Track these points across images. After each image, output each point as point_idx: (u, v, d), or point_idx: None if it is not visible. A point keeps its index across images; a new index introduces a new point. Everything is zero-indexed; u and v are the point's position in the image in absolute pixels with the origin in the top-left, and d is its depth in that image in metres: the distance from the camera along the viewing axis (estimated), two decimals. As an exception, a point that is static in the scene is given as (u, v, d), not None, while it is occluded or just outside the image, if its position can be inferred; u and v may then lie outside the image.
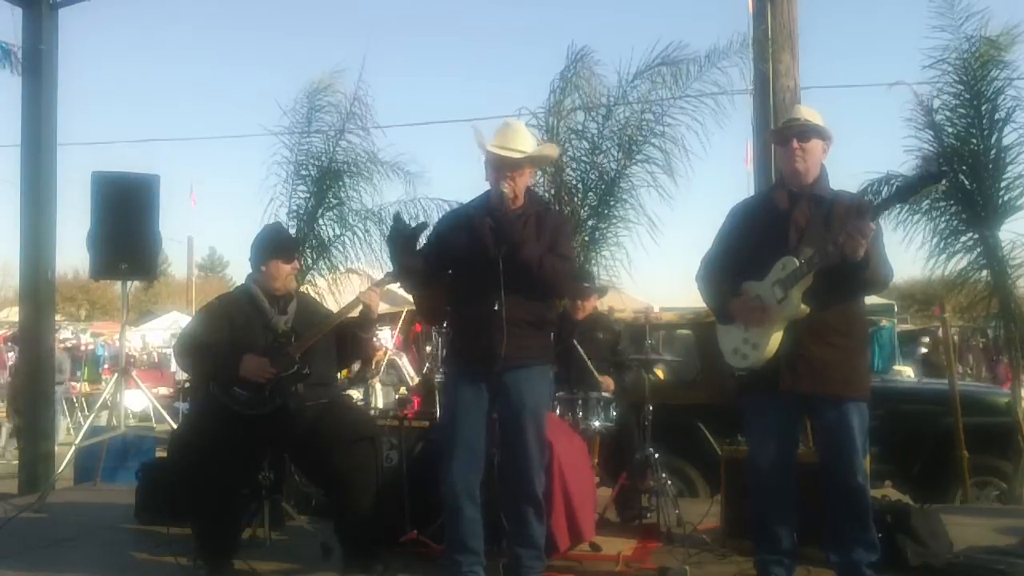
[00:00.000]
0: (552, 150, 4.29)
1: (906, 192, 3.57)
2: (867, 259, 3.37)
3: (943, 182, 3.63)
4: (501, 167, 3.75)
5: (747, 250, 3.66)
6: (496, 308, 3.61)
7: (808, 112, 3.73)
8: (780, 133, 3.74)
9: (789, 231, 3.56)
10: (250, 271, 4.43)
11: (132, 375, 7.01)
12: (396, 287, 4.78)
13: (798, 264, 3.47)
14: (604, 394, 5.13)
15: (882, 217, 3.62)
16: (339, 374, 4.95)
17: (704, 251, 3.83)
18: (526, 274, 3.66)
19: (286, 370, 4.15)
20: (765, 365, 3.54)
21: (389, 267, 4.30)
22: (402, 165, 8.04)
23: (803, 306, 3.48)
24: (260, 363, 4.11)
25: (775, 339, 3.52)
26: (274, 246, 4.37)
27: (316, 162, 8.04)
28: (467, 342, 3.78)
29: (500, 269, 3.61)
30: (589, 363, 5.12)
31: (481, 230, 3.76)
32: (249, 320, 4.27)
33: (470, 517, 3.71)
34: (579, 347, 5.12)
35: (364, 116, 8.01)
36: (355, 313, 4.38)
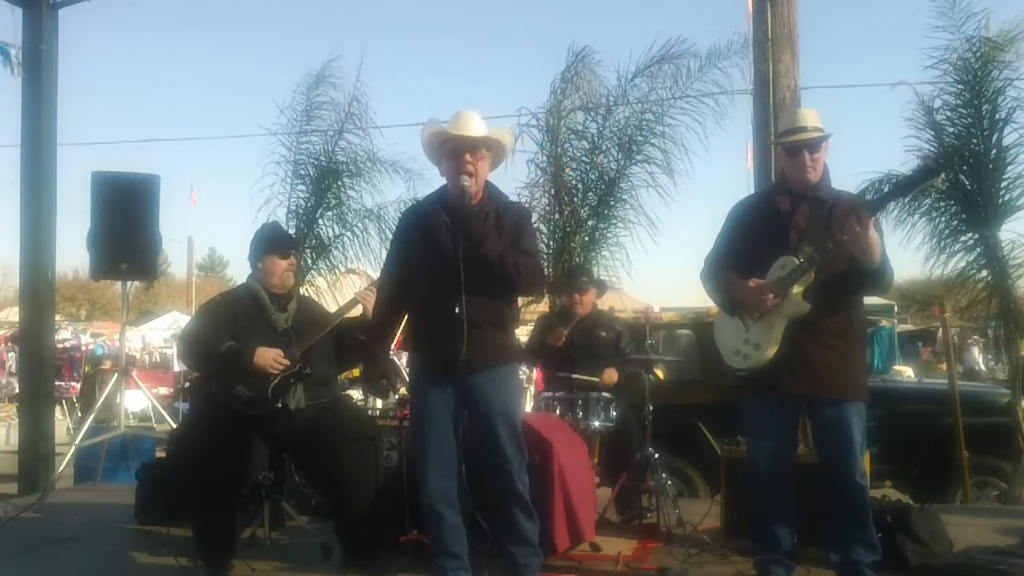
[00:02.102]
0: (505, 135, 3.90)
1: (906, 187, 3.61)
2: (884, 266, 3.38)
3: (942, 176, 3.63)
4: (458, 152, 3.58)
5: (748, 250, 3.65)
6: (456, 311, 3.48)
7: (811, 116, 3.66)
8: (789, 147, 3.63)
9: (789, 233, 3.56)
10: (251, 271, 4.43)
11: (132, 375, 7.01)
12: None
13: (798, 262, 3.47)
14: (604, 394, 5.13)
15: (882, 217, 3.63)
16: (340, 375, 4.93)
17: (706, 251, 3.83)
18: (487, 272, 3.52)
19: (288, 368, 4.15)
20: (765, 365, 3.54)
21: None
22: (402, 163, 8.03)
23: (805, 303, 3.47)
24: (275, 353, 4.11)
25: (776, 338, 3.51)
26: (267, 242, 4.37)
27: (315, 162, 8.03)
28: (429, 346, 3.66)
29: (460, 268, 3.48)
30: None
31: (438, 227, 3.61)
32: (251, 317, 4.27)
33: (450, 523, 3.64)
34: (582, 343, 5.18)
35: (362, 116, 8.01)
36: (355, 312, 4.38)
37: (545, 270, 3.71)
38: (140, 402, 11.10)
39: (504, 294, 3.65)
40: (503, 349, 3.67)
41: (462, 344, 3.47)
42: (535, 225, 6.97)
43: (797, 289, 3.49)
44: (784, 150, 3.68)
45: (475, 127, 3.64)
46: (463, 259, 3.49)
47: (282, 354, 4.11)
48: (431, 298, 3.60)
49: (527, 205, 7.28)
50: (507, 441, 3.59)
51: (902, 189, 3.70)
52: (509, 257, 3.54)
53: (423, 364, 3.71)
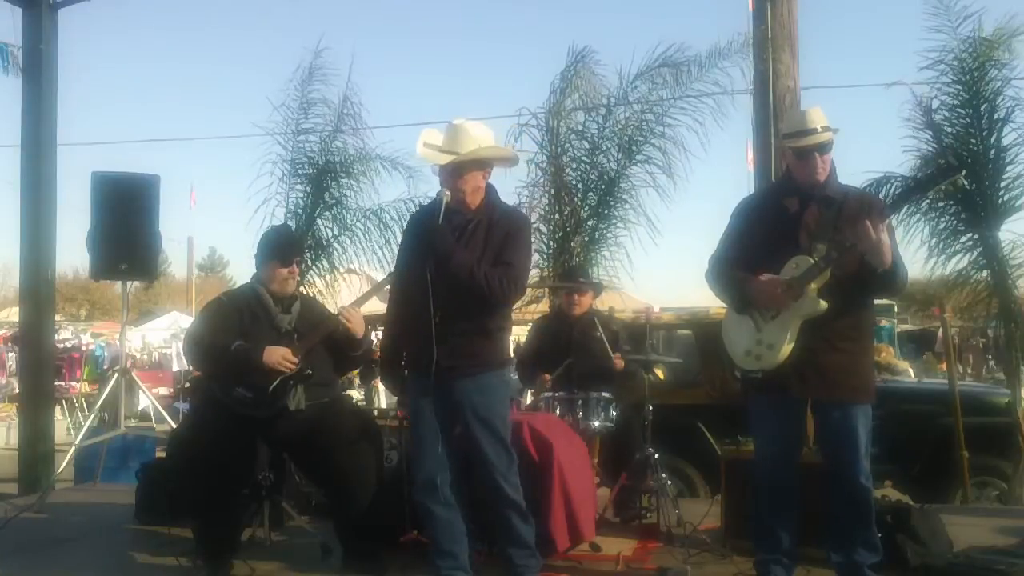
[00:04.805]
0: (495, 152, 3.82)
1: (926, 185, 3.58)
2: (896, 267, 3.37)
3: (963, 173, 3.61)
4: (439, 172, 3.69)
5: (755, 249, 3.61)
6: (430, 320, 3.54)
7: (820, 116, 3.59)
8: (800, 150, 3.57)
9: (799, 233, 3.53)
10: (255, 271, 4.42)
11: (132, 375, 7.01)
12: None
13: (813, 261, 3.43)
14: (604, 394, 5.13)
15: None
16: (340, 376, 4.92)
17: (706, 251, 3.80)
18: (457, 285, 3.56)
19: (290, 369, 4.14)
20: (778, 367, 3.49)
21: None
22: (401, 160, 7.97)
23: (822, 302, 3.43)
24: (283, 352, 4.11)
25: (791, 338, 3.46)
26: (270, 250, 4.35)
27: (312, 160, 8.00)
28: (409, 350, 3.76)
29: (428, 282, 3.56)
30: (604, 341, 5.19)
31: (420, 238, 3.69)
32: (256, 317, 4.27)
33: (442, 519, 3.68)
34: (587, 337, 5.14)
35: (355, 116, 7.96)
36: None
37: (526, 278, 3.72)
38: (140, 402, 11.11)
39: (481, 305, 3.65)
40: (486, 356, 3.69)
41: (433, 352, 3.55)
42: (535, 226, 6.96)
43: (813, 287, 3.45)
44: (795, 153, 3.62)
45: (457, 146, 3.63)
46: (430, 274, 3.57)
47: (290, 352, 4.12)
48: (409, 305, 3.69)
49: (527, 206, 7.28)
50: (489, 446, 3.65)
51: (922, 187, 3.65)
52: (479, 272, 3.57)
53: (408, 368, 3.79)
